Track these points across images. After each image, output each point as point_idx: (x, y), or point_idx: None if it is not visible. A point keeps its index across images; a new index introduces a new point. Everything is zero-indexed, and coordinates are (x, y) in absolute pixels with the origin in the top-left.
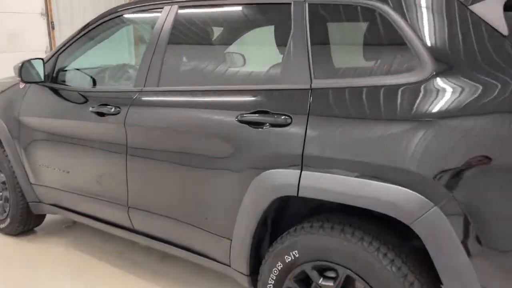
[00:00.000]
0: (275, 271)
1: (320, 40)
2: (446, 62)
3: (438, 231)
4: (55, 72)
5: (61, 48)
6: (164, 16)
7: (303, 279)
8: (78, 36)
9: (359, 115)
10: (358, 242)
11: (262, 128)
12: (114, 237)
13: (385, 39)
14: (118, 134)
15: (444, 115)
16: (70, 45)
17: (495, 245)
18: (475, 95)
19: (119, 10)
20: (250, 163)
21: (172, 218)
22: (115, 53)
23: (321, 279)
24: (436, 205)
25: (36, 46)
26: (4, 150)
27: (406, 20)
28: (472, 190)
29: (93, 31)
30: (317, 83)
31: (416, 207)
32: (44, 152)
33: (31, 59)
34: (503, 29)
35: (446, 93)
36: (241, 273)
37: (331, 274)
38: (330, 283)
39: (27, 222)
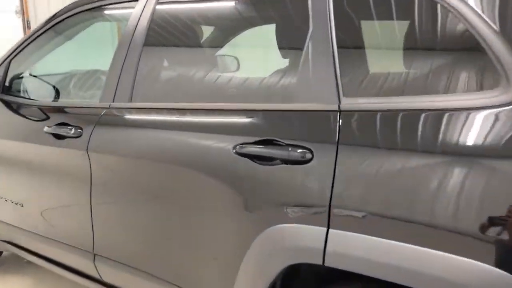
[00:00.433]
0: None
1: (351, 42)
2: None
3: None
4: (7, 80)
5: (16, 49)
6: (139, 11)
7: None
8: (39, 34)
9: (412, 149)
10: None
11: (270, 164)
12: None
13: (450, 42)
14: (79, 163)
15: None
16: (28, 45)
17: None
18: None
19: (81, 3)
20: (253, 211)
21: (149, 274)
22: (93, 56)
23: None
24: None
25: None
26: None
27: (484, 17)
28: None
29: (58, 27)
30: (349, 103)
31: None
32: None
33: None
34: None
35: None
36: None
37: None
38: None
39: None
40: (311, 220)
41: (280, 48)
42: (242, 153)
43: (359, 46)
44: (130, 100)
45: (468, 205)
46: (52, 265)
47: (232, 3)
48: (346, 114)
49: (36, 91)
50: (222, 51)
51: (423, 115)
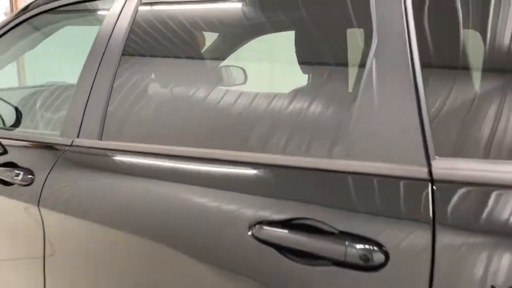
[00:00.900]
0: None
1: (446, 62)
2: None
3: None
4: None
5: None
6: (116, 13)
7: None
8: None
9: None
10: None
11: (310, 264)
12: None
13: None
14: (29, 221)
15: None
16: None
17: None
18: None
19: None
20: None
21: None
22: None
23: None
24: None
25: None
26: None
27: None
28: None
29: (32, 22)
30: (445, 167)
31: None
32: None
33: None
34: None
35: None
36: None
37: None
38: None
39: None
40: None
41: (313, 70)
42: (263, 239)
43: (461, 69)
44: (101, 137)
45: None
46: None
47: (248, 4)
48: (442, 186)
49: None
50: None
51: None
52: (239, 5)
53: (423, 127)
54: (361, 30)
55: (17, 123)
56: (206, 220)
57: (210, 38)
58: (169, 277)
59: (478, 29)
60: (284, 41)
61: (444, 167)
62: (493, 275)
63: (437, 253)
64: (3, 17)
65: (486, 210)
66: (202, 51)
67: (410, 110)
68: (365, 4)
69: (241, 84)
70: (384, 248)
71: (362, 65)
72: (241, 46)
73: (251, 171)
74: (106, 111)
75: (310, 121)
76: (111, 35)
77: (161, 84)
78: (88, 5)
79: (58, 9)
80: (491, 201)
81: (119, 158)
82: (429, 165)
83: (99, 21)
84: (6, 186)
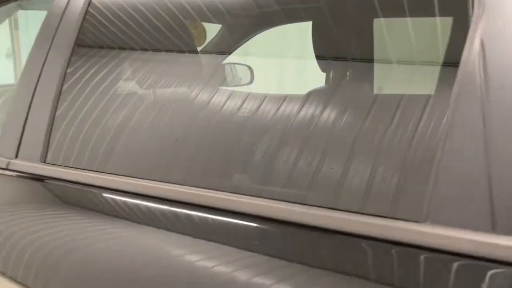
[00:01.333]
0: None
1: None
2: None
3: None
4: None
5: None
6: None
7: None
8: None
9: None
10: None
11: None
12: None
13: None
14: None
15: None
16: None
17: None
18: None
19: None
20: None
21: None
22: None
23: None
24: None
25: None
26: None
27: None
28: None
29: None
30: None
31: None
32: None
33: None
34: None
35: None
36: None
37: None
38: None
39: None
40: None
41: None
42: None
43: None
44: (45, 159)
45: None
46: None
47: None
48: None
49: None
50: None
51: None
52: None
53: None
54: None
55: None
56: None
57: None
58: None
59: None
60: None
61: None
62: None
63: None
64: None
65: None
66: (202, 46)
67: None
68: None
69: (247, 84)
70: None
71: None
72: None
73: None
74: (52, 124)
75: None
76: (60, 22)
77: (134, 87)
78: None
79: None
80: None
81: (70, 190)
82: None
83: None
84: None
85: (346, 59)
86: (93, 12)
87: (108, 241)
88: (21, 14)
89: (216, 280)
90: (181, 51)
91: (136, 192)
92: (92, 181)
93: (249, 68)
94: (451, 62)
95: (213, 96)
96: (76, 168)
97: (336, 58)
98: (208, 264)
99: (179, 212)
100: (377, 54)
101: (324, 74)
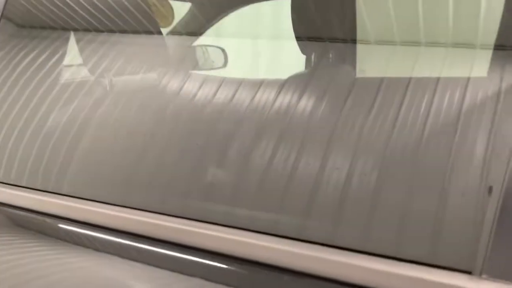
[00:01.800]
0: None
1: None
2: None
3: None
4: None
5: None
6: None
7: None
8: None
9: None
10: None
11: None
12: None
13: None
14: None
15: None
16: None
17: None
18: None
19: None
20: None
21: None
22: None
23: None
24: None
25: None
26: None
27: None
28: None
29: None
30: None
31: None
32: None
33: None
34: None
35: None
36: None
37: None
38: None
39: None
40: None
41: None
42: None
43: None
44: None
45: None
46: None
47: None
48: None
49: None
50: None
51: None
52: None
53: None
54: None
55: None
56: None
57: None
58: None
59: None
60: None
61: None
62: None
63: None
64: None
65: None
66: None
67: None
68: None
69: (220, 68)
70: None
71: None
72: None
73: None
74: None
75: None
76: None
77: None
78: None
79: None
80: None
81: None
82: None
83: None
84: None
85: (328, 40)
86: None
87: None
88: None
89: None
90: (136, 32)
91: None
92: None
93: (223, 50)
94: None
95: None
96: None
97: (318, 39)
98: None
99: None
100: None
101: (304, 56)
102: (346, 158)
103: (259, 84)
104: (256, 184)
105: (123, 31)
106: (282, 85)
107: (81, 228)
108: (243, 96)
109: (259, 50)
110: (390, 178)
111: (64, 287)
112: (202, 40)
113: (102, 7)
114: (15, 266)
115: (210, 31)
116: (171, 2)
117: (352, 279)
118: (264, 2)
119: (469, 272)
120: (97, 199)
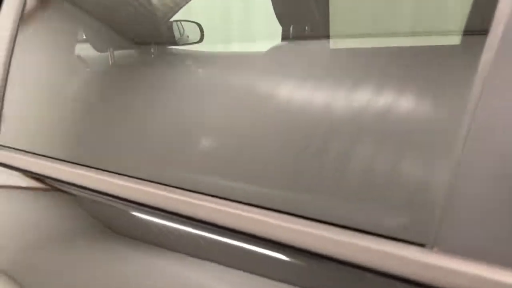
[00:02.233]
0: None
1: None
2: None
3: None
4: None
5: None
6: None
7: None
8: None
9: None
10: None
11: None
12: None
13: None
14: None
15: None
16: None
17: None
18: None
19: None
20: None
21: None
22: None
23: None
24: None
25: None
26: None
27: None
28: None
29: None
30: None
31: None
32: None
33: None
34: None
35: None
36: None
37: None
38: None
39: None
40: None
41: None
42: None
43: None
44: None
45: None
46: None
47: None
48: None
49: None
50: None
51: None
52: None
53: None
54: None
55: None
56: None
57: None
58: None
59: None
60: None
61: None
62: None
63: None
64: None
65: None
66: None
67: None
68: None
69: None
70: None
71: None
72: None
73: None
74: (3, 95)
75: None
76: None
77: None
78: None
79: None
80: None
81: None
82: None
83: None
84: None
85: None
86: None
87: None
88: None
89: None
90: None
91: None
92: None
93: (198, 25)
94: None
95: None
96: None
97: (296, 13)
98: None
99: None
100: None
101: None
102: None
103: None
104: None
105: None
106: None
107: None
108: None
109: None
110: (350, 148)
111: None
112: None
113: None
114: (115, 276)
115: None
116: None
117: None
118: None
119: (422, 245)
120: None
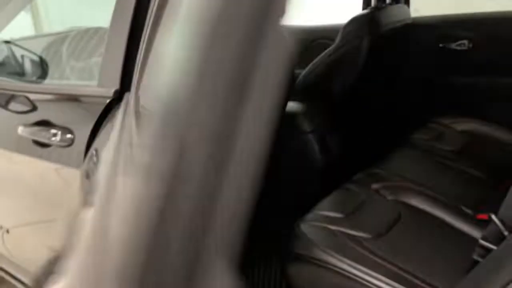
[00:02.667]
0: None
1: None
2: None
3: None
4: None
5: None
6: None
7: None
8: None
9: None
10: None
11: None
12: None
13: None
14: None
15: None
16: None
17: None
18: None
19: None
20: None
21: None
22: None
23: None
24: None
25: None
26: None
27: None
28: None
29: None
30: None
31: None
32: None
33: None
34: None
35: None
36: None
37: None
38: None
39: None
40: None
41: None
42: None
43: None
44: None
45: None
46: None
47: None
48: None
49: (12, 65)
50: None
51: None
52: None
53: None
54: None
55: (43, 75)
56: None
57: None
58: None
59: None
60: None
61: None
62: None
63: None
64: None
65: None
66: None
67: None
68: None
69: None
70: None
71: None
72: None
73: None
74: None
75: None
76: None
77: None
78: None
79: None
80: None
81: None
82: None
83: None
84: (42, 148)
85: None
86: None
87: None
88: None
89: None
90: None
91: None
92: None
93: None
94: None
95: None
96: None
97: None
98: None
99: None
100: None
101: None
102: None
103: None
104: None
105: None
106: None
107: None
108: None
109: None
110: None
111: None
112: None
113: None
114: None
115: None
116: None
117: None
118: None
119: None
120: None
